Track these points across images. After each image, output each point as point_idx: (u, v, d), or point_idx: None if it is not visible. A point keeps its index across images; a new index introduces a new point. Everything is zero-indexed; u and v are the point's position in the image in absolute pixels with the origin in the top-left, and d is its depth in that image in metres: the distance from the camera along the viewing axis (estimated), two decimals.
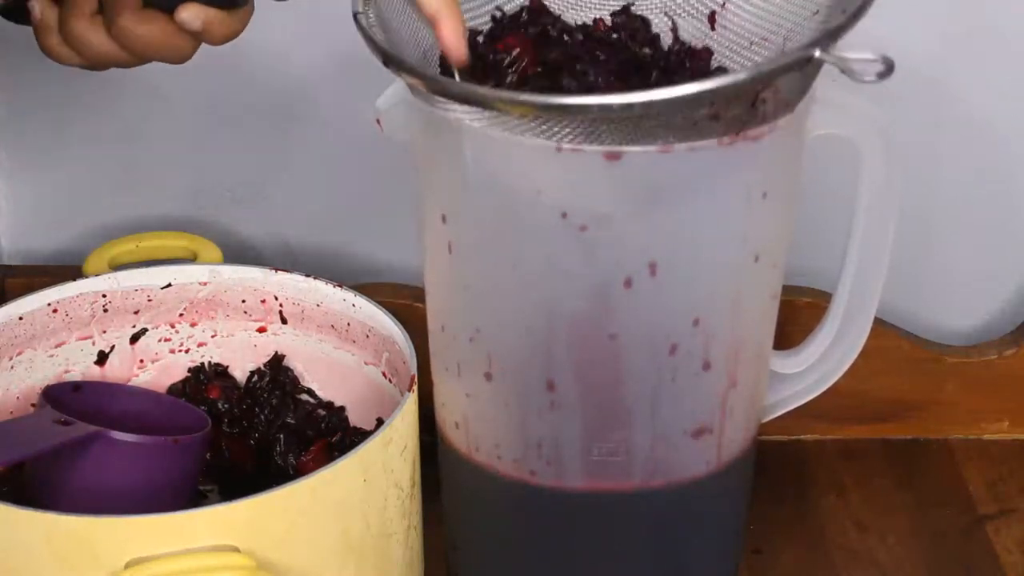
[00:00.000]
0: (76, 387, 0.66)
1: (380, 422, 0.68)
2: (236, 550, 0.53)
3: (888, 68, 0.52)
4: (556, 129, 0.54)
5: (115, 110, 0.81)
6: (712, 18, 0.62)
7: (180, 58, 0.58)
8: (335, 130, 0.80)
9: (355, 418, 0.69)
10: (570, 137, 0.55)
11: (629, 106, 0.52)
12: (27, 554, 0.53)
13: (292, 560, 0.55)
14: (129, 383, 0.70)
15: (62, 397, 0.64)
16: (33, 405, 0.66)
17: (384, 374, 0.66)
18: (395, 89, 0.61)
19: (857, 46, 0.54)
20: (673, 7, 0.62)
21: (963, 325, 0.85)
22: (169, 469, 0.62)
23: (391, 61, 0.56)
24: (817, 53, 0.54)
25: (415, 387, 0.60)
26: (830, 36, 0.54)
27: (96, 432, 0.60)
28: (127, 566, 0.52)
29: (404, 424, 0.58)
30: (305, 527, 0.55)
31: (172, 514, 0.53)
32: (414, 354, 0.62)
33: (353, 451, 0.56)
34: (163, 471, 0.61)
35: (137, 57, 0.57)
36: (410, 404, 0.59)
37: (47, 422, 0.61)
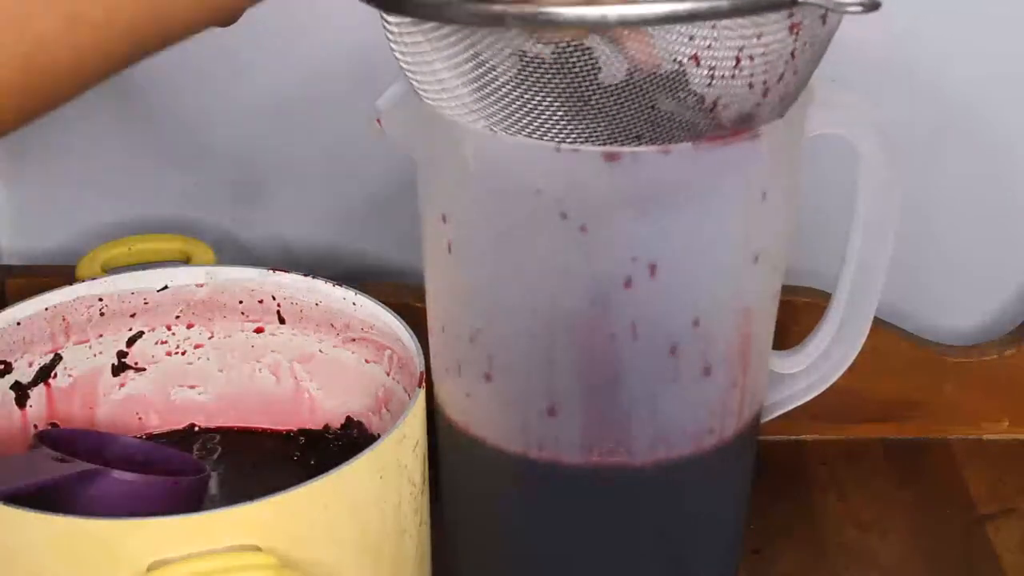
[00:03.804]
0: (68, 434, 0.66)
1: (350, 419, 0.69)
2: (258, 549, 0.53)
3: (872, 1, 0.51)
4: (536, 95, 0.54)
5: (116, 110, 0.81)
6: None
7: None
8: (335, 130, 0.80)
9: (357, 416, 0.69)
10: (554, 115, 0.55)
11: (603, 18, 0.51)
12: (46, 559, 0.53)
13: (314, 558, 0.55)
14: (125, 385, 0.70)
15: (53, 442, 0.63)
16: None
17: (387, 372, 0.66)
18: (395, 89, 0.61)
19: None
20: None
21: (963, 325, 0.85)
22: (169, 511, 0.61)
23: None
24: None
25: (424, 383, 0.60)
26: None
27: (96, 470, 0.59)
28: (150, 568, 0.52)
29: (416, 421, 0.59)
30: (325, 524, 0.55)
31: (193, 515, 0.53)
32: (421, 351, 0.62)
33: (370, 448, 0.56)
34: (163, 513, 0.61)
35: None
36: (420, 400, 0.59)
37: (46, 459, 0.60)
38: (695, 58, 0.53)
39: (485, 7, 0.52)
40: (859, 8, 0.51)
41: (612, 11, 0.51)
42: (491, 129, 0.56)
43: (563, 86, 0.54)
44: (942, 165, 0.80)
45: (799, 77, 0.56)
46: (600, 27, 0.52)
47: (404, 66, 0.57)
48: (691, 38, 0.53)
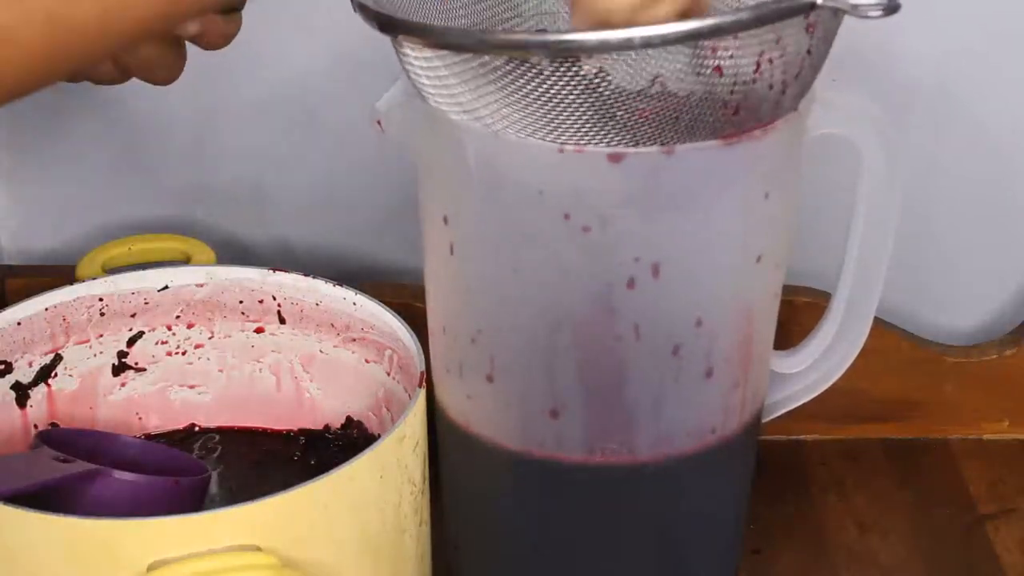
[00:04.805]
0: (68, 434, 0.65)
1: (351, 420, 0.69)
2: (258, 549, 0.53)
3: (892, 5, 0.52)
4: (561, 111, 0.54)
5: (116, 110, 0.81)
6: None
7: (168, 76, 0.57)
8: (335, 131, 0.80)
9: (357, 416, 0.69)
10: (577, 126, 0.55)
11: (628, 41, 0.52)
12: (46, 559, 0.53)
13: (314, 558, 0.55)
14: (125, 385, 0.70)
15: (54, 442, 0.63)
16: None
17: (388, 372, 0.66)
18: (396, 90, 0.60)
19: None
20: None
21: (963, 325, 0.85)
22: (169, 511, 0.61)
23: (387, 24, 0.55)
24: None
25: (424, 383, 0.60)
26: None
27: (97, 470, 0.59)
28: (150, 568, 0.52)
29: (416, 420, 0.59)
30: (325, 524, 0.55)
31: (193, 515, 0.53)
32: (421, 351, 0.62)
33: (370, 448, 0.56)
34: (163, 513, 0.61)
35: (122, 70, 0.57)
36: (420, 401, 0.59)
37: (46, 459, 0.60)
38: (718, 69, 0.53)
39: (509, 36, 0.53)
40: (879, 12, 0.51)
41: (637, 33, 0.51)
42: (494, 131, 0.56)
43: (576, 94, 0.54)
44: (942, 165, 0.80)
45: (814, 69, 0.57)
46: (625, 50, 0.52)
47: (408, 70, 0.57)
48: (713, 51, 0.53)
